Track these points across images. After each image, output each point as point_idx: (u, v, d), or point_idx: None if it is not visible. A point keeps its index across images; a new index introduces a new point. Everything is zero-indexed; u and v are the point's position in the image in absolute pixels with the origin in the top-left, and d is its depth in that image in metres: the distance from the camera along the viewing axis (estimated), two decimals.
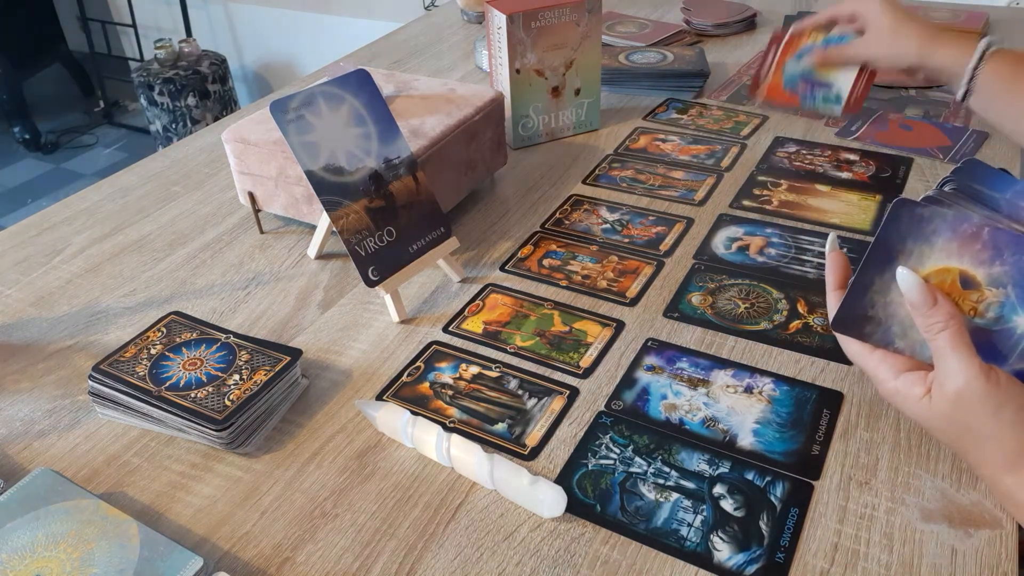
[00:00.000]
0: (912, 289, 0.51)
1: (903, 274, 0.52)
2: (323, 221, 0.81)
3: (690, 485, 0.55)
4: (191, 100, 2.82)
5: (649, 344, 0.68)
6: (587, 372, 0.66)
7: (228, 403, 0.59)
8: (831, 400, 0.62)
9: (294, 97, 0.68)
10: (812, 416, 0.60)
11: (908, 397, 0.52)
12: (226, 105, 2.94)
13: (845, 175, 0.93)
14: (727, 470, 0.56)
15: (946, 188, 0.59)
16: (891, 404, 0.56)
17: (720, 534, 0.52)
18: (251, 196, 0.85)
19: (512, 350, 0.69)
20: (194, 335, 0.66)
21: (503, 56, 0.97)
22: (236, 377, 0.61)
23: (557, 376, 0.66)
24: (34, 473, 0.54)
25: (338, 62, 1.23)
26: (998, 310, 0.52)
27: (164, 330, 0.67)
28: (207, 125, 2.37)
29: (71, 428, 0.62)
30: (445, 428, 0.60)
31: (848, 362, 0.65)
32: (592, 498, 0.55)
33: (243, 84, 3.30)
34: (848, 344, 0.57)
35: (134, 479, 0.58)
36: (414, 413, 0.60)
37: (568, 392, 0.64)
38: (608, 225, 0.86)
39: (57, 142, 3.27)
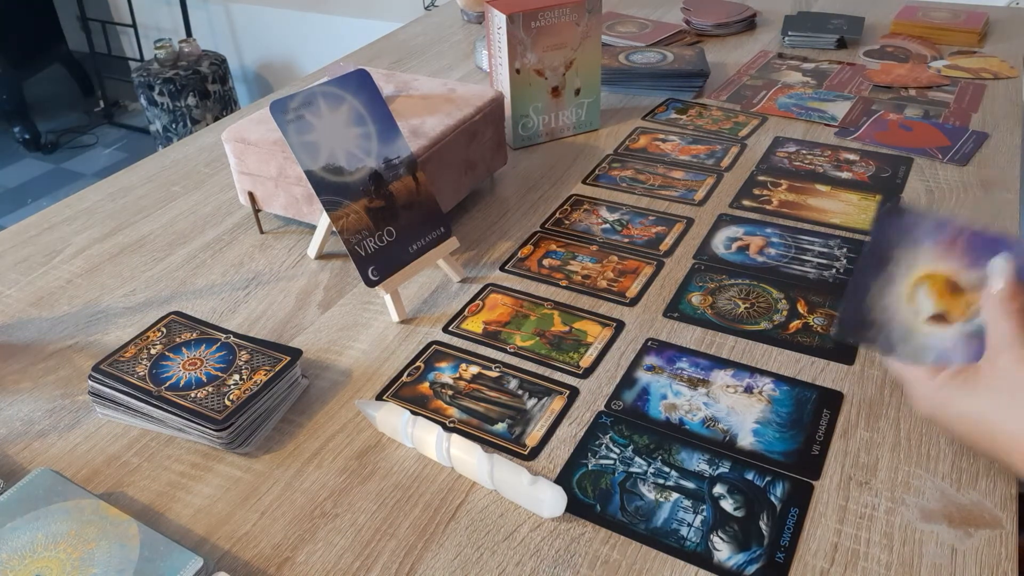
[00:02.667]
0: (1001, 275, 0.51)
1: (998, 262, 0.52)
2: (323, 221, 0.81)
3: (690, 485, 0.55)
4: (191, 100, 2.82)
5: (649, 344, 0.68)
6: (587, 372, 0.66)
7: (228, 403, 0.59)
8: (831, 400, 0.62)
9: (294, 97, 0.68)
10: (812, 416, 0.60)
11: (954, 382, 0.52)
12: (226, 105, 2.94)
13: (845, 175, 0.93)
14: (727, 470, 0.56)
15: None
16: (930, 406, 0.55)
17: (720, 534, 0.52)
18: (251, 196, 0.85)
19: (512, 350, 0.69)
20: (194, 335, 0.66)
21: (503, 56, 0.97)
22: (236, 377, 0.61)
23: (557, 376, 0.66)
24: (34, 473, 0.54)
25: (338, 62, 1.23)
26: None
27: (164, 330, 0.67)
28: (207, 125, 2.37)
29: (71, 428, 0.62)
30: (445, 428, 0.60)
31: (849, 362, 0.65)
32: (592, 498, 0.55)
33: (243, 84, 3.30)
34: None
35: (134, 479, 0.58)
36: (414, 413, 0.60)
37: (568, 392, 0.64)
38: (608, 225, 0.86)
39: (57, 142, 3.27)
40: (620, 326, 0.71)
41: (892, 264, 0.54)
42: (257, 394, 0.60)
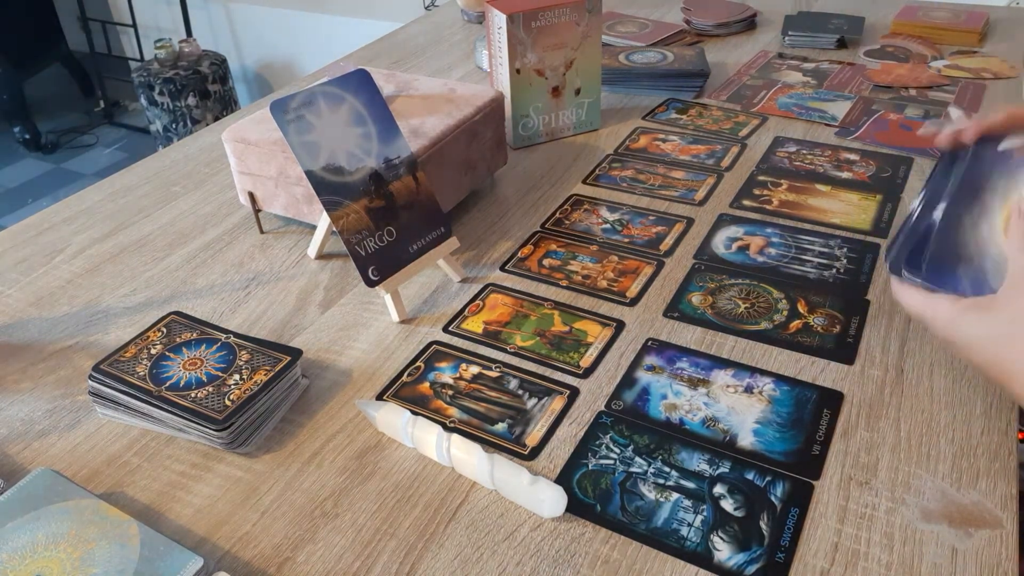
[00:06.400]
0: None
1: None
2: (323, 221, 0.81)
3: (690, 485, 0.55)
4: (191, 100, 2.82)
5: (649, 344, 0.68)
6: (587, 372, 0.66)
7: (228, 403, 0.59)
8: (831, 400, 0.62)
9: (294, 97, 0.68)
10: (812, 416, 0.60)
11: (973, 307, 0.52)
12: (226, 105, 2.94)
13: (845, 175, 0.93)
14: (727, 470, 0.56)
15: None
16: (947, 332, 0.55)
17: (720, 534, 0.52)
18: (251, 196, 0.85)
19: (512, 350, 0.69)
20: (194, 335, 0.66)
21: (503, 56, 0.97)
22: (236, 377, 0.61)
23: (557, 376, 0.66)
24: (34, 473, 0.54)
25: (338, 62, 1.23)
26: None
27: (164, 330, 0.67)
28: (207, 125, 2.37)
29: (71, 428, 0.62)
30: (445, 428, 0.60)
31: (849, 362, 0.65)
32: (592, 498, 0.55)
33: (243, 84, 3.30)
34: (904, 292, 0.57)
35: (134, 479, 0.58)
36: (414, 413, 0.60)
37: (568, 392, 0.64)
38: (608, 225, 0.86)
39: (57, 142, 3.27)
40: (620, 326, 0.71)
41: (988, 195, 0.53)
42: (257, 394, 0.60)
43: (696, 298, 0.74)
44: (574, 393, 0.64)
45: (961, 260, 0.55)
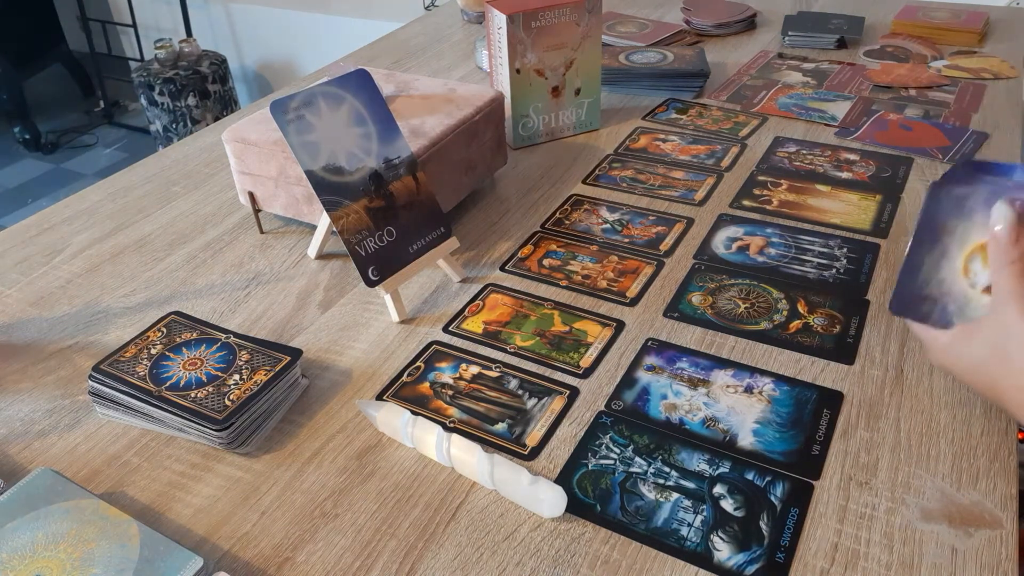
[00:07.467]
0: (1002, 220, 0.52)
1: (999, 207, 0.53)
2: (323, 221, 0.81)
3: (690, 485, 0.55)
4: (191, 100, 2.82)
5: (649, 344, 0.68)
6: (587, 372, 0.66)
7: (228, 403, 0.59)
8: (831, 400, 0.62)
9: (294, 97, 0.68)
10: (812, 416, 0.60)
11: (959, 337, 0.54)
12: (226, 105, 2.94)
13: (845, 175, 0.93)
14: (727, 470, 0.56)
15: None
16: (944, 359, 0.57)
17: (720, 534, 0.52)
18: (251, 196, 0.85)
19: (512, 350, 0.69)
20: (194, 335, 0.66)
21: (503, 56, 0.97)
22: (236, 377, 0.61)
23: (557, 376, 0.66)
24: (34, 473, 0.54)
25: (338, 62, 1.23)
26: None
27: (164, 330, 0.67)
28: (207, 125, 2.37)
29: (71, 428, 0.62)
30: (445, 428, 0.60)
31: (849, 362, 0.65)
32: (592, 498, 0.55)
33: (243, 84, 3.31)
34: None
35: (134, 479, 0.58)
36: (414, 413, 0.60)
37: (568, 392, 0.64)
38: (608, 225, 0.86)
39: (57, 142, 3.27)
40: (620, 326, 0.71)
41: (946, 237, 0.55)
42: (257, 394, 0.60)
43: (696, 298, 0.74)
44: (574, 393, 0.64)
45: (926, 300, 0.57)
